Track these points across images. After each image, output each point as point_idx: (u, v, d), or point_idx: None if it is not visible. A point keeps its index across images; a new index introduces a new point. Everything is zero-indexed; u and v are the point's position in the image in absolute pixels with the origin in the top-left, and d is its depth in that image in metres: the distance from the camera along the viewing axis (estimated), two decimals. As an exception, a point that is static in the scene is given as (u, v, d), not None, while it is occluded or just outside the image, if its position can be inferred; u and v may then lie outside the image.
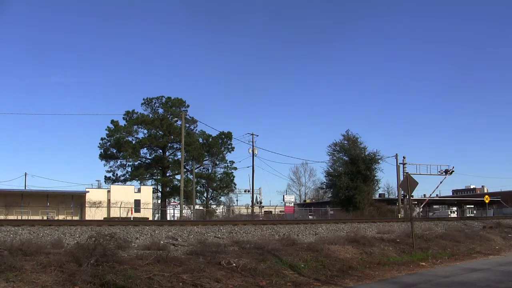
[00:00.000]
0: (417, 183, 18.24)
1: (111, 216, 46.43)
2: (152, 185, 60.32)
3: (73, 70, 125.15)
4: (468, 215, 64.59)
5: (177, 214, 49.06)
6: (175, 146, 61.81)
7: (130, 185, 57.04)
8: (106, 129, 59.18)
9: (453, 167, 54.53)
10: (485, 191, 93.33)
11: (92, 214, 46.20)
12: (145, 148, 61.33)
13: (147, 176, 61.20)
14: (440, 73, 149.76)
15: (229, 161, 64.59)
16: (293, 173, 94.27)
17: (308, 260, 12.91)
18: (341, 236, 17.51)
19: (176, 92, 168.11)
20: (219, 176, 64.74)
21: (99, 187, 59.90)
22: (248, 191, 61.99)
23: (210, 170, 65.25)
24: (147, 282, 9.10)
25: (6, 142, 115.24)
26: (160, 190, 62.64)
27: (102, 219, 36.20)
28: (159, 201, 62.07)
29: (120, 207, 46.75)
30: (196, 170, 59.75)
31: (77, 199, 48.84)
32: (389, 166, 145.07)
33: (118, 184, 57.82)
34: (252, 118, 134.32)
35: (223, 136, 62.74)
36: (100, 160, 60.39)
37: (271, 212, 72.92)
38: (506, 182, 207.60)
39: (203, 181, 64.22)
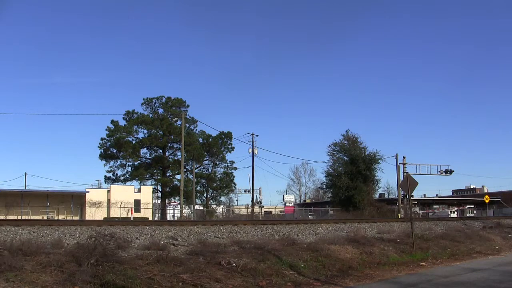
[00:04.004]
0: (417, 183, 18.26)
1: (111, 216, 46.39)
2: (152, 185, 60.34)
3: (73, 70, 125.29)
4: (468, 215, 64.58)
5: (177, 214, 49.08)
6: (175, 146, 61.84)
7: (130, 185, 57.10)
8: (106, 129, 59.24)
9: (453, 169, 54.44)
10: (485, 191, 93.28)
11: (92, 214, 46.18)
12: (145, 148, 61.36)
13: (147, 176, 61.19)
14: (441, 73, 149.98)
15: (229, 161, 64.73)
16: (293, 173, 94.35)
17: (308, 260, 12.91)
18: (341, 236, 17.50)
19: (176, 92, 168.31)
20: (219, 176, 64.78)
21: (99, 187, 59.94)
22: (248, 191, 62.00)
23: (210, 170, 65.31)
24: (147, 282, 9.10)
25: (6, 142, 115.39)
26: (160, 190, 62.64)
27: (102, 219, 36.17)
28: (159, 201, 62.06)
29: (120, 207, 46.75)
30: (196, 170, 59.75)
31: (77, 199, 48.82)
32: (389, 166, 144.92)
33: (118, 184, 57.78)
34: (252, 118, 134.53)
35: (223, 136, 62.75)
36: (100, 160, 60.44)
37: (271, 212, 72.92)
38: (506, 182, 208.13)
39: (203, 181, 64.21)
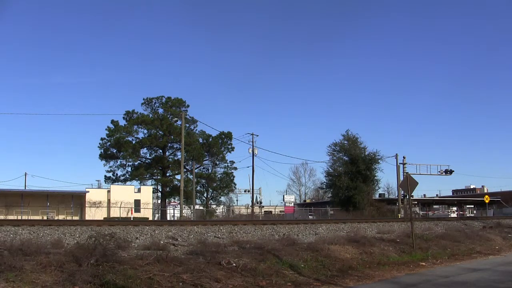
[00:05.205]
0: (417, 183, 18.26)
1: (111, 216, 46.40)
2: (152, 185, 60.37)
3: (73, 70, 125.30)
4: (468, 215, 64.54)
5: (177, 214, 49.06)
6: (175, 146, 61.85)
7: (130, 185, 57.11)
8: (106, 129, 59.27)
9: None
10: (485, 191, 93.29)
11: (92, 214, 46.19)
12: (145, 148, 61.36)
13: (147, 176, 61.21)
14: (441, 73, 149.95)
15: (229, 161, 64.74)
16: (293, 173, 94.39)
17: (308, 260, 12.91)
18: (341, 236, 17.51)
19: (176, 92, 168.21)
20: (219, 176, 64.77)
21: (99, 187, 59.95)
22: (248, 191, 61.92)
23: (210, 170, 65.31)
24: (147, 282, 9.10)
25: (6, 142, 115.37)
26: (160, 190, 62.64)
27: (102, 219, 36.19)
28: (159, 201, 62.06)
29: (120, 207, 46.74)
30: (196, 170, 59.74)
31: (77, 199, 48.82)
32: (389, 166, 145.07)
33: (118, 184, 57.80)
34: (252, 118, 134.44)
35: (223, 136, 62.75)
36: (100, 160, 60.46)
37: (271, 212, 72.90)
38: (506, 182, 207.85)
39: (203, 181, 64.21)
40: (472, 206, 77.19)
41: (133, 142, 59.29)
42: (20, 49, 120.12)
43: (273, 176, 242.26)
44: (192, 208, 56.42)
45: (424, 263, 14.60)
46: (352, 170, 55.45)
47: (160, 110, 62.00)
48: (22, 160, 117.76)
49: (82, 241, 11.99)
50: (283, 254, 12.92)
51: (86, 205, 47.78)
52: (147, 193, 53.86)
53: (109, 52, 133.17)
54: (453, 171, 54.16)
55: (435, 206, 79.32)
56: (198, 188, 63.26)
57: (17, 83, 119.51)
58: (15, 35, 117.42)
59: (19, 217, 39.55)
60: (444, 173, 53.89)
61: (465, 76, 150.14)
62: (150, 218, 48.47)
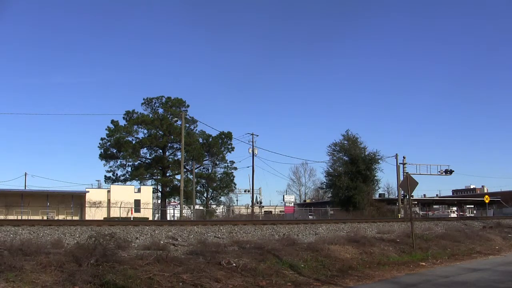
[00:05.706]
0: (417, 183, 18.27)
1: (111, 216, 46.40)
2: (152, 185, 60.37)
3: (73, 70, 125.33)
4: (468, 215, 64.56)
5: (177, 214, 49.06)
6: (175, 146, 61.86)
7: (130, 185, 57.11)
8: (106, 129, 59.27)
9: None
10: (485, 191, 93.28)
11: (92, 214, 46.19)
12: (145, 148, 61.36)
13: (147, 176, 61.21)
14: (441, 73, 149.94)
15: (229, 161, 64.74)
16: (293, 173, 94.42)
17: (308, 260, 12.91)
18: (341, 236, 17.51)
19: (176, 92, 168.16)
20: (219, 176, 64.78)
21: (99, 187, 59.96)
22: (248, 191, 61.89)
23: (210, 170, 65.32)
24: (147, 282, 9.10)
25: (6, 142, 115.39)
26: (160, 190, 62.64)
27: (102, 219, 36.18)
28: (159, 201, 62.07)
29: (120, 207, 46.73)
30: (196, 170, 59.74)
31: (77, 199, 48.82)
32: (389, 166, 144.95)
33: (118, 184, 57.79)
34: (252, 118, 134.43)
35: (223, 136, 62.76)
36: (100, 160, 60.47)
37: (271, 212, 72.88)
38: (506, 182, 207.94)
39: (203, 181, 64.21)
40: (472, 206, 77.19)
41: (133, 142, 59.32)
42: (20, 49, 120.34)
43: (273, 176, 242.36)
44: (192, 208, 56.42)
45: (424, 263, 14.60)
46: (352, 170, 55.45)
47: (160, 110, 62.13)
48: (22, 160, 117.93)
49: (82, 241, 11.99)
50: (283, 254, 12.93)
51: (86, 205, 47.78)
52: (147, 193, 53.86)
53: (109, 52, 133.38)
54: (453, 171, 54.20)
55: (435, 206, 79.30)
56: (198, 188, 63.30)
57: (17, 83, 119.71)
58: (15, 35, 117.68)
59: (19, 217, 39.55)
60: (444, 173, 53.88)
61: (465, 76, 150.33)
62: (150, 218, 48.46)
